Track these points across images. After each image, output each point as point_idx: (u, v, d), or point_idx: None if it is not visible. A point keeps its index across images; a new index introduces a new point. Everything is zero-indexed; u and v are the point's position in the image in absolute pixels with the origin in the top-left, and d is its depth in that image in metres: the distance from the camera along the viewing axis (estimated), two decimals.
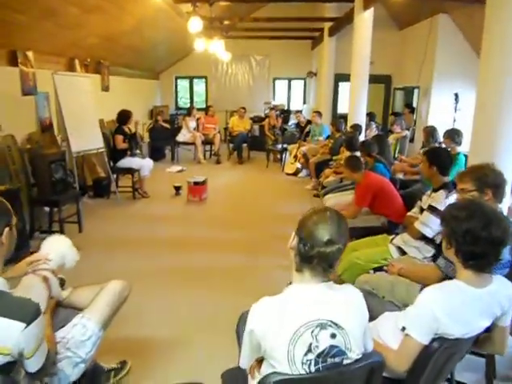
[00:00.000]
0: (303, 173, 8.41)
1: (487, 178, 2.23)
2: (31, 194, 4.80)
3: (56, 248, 2.13)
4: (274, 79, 13.48)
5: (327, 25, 10.34)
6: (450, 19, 8.39)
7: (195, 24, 5.81)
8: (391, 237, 3.36)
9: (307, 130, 8.72)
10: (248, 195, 7.03)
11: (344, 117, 7.97)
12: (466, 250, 1.65)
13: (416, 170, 5.55)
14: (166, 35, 9.55)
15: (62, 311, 2.14)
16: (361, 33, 7.16)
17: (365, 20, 7.11)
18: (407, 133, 6.96)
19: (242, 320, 2.09)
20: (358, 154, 5.27)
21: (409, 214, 3.43)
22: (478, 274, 1.67)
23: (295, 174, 8.44)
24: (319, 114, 8.56)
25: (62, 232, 4.72)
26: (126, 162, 6.38)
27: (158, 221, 5.58)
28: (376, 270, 3.17)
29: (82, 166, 6.43)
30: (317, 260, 1.45)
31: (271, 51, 12.97)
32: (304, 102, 13.77)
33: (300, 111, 9.32)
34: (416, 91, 9.80)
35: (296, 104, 13.76)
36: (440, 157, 2.95)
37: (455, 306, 1.62)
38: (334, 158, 6.84)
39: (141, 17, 7.43)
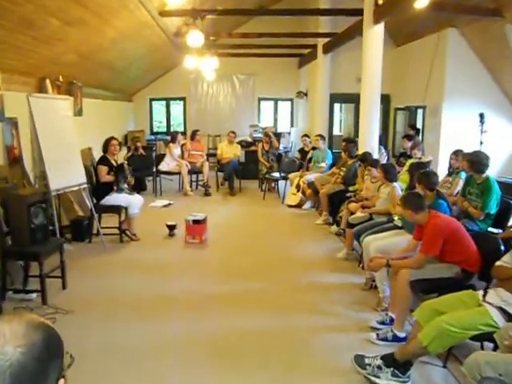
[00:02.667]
0: (307, 204, 8.02)
1: None
2: (3, 244, 4.11)
3: None
4: (260, 100, 13.24)
5: (321, 41, 10.13)
6: (460, 34, 8.27)
7: (196, 38, 5.34)
8: (479, 292, 2.90)
9: (310, 155, 8.31)
10: (253, 234, 6.56)
11: (352, 141, 7.65)
12: None
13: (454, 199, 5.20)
14: (145, 51, 9.11)
15: None
16: (371, 49, 6.89)
17: (375, 35, 6.86)
18: (431, 158, 6.64)
19: None
20: (396, 184, 4.91)
21: (498, 263, 2.98)
22: None
23: (298, 205, 8.02)
24: (322, 137, 8.22)
25: (43, 291, 4.05)
26: (112, 198, 5.80)
27: (156, 270, 4.99)
28: (474, 339, 2.68)
29: (57, 205, 5.77)
30: None
31: (255, 70, 12.75)
32: (291, 125, 13.53)
33: (306, 135, 8.94)
34: (420, 111, 9.64)
35: (283, 127, 13.50)
36: None
37: None
38: (351, 188, 6.48)
39: (122, 30, 6.94)
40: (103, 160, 5.84)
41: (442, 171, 7.42)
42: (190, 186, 9.27)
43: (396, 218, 4.57)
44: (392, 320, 3.54)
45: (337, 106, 12.00)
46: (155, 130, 13.33)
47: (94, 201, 5.83)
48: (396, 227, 4.44)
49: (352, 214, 5.42)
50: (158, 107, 13.46)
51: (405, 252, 3.62)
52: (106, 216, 6.27)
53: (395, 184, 4.99)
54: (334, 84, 10.62)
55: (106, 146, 5.91)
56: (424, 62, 9.09)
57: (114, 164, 5.94)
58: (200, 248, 5.81)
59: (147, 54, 9.46)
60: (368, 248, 4.16)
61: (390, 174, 4.98)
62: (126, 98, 12.08)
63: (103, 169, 5.75)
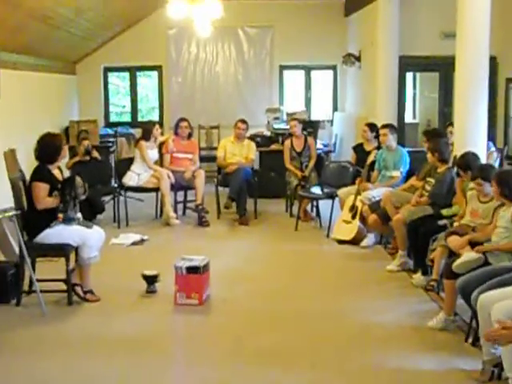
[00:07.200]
0: (370, 239, 8.00)
1: None
2: None
3: None
4: (282, 68, 13.38)
5: None
6: None
7: None
8: None
9: (372, 158, 8.30)
10: (282, 289, 6.53)
11: (444, 134, 7.64)
12: None
13: None
14: None
15: None
16: None
17: None
18: None
19: None
20: None
21: None
22: None
23: (355, 241, 8.02)
24: (393, 129, 8.21)
25: None
26: (55, 233, 5.79)
27: (128, 354, 4.92)
28: None
29: None
30: None
31: (275, 20, 12.94)
32: (335, 109, 13.64)
33: (372, 125, 8.90)
34: None
35: (320, 111, 13.63)
36: None
37: None
38: (445, 212, 6.47)
39: None
40: (42, 173, 5.82)
41: None
42: (175, 211, 9.27)
43: None
44: None
45: (409, 76, 12.05)
46: (113, 119, 13.44)
47: (26, 237, 5.81)
48: None
49: (452, 254, 5.36)
50: (118, 82, 13.51)
51: None
52: (43, 262, 6.25)
53: None
54: (404, 42, 10.66)
55: (47, 150, 5.91)
56: None
57: (59, 177, 5.94)
58: (199, 313, 5.79)
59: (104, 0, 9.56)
60: (488, 312, 4.08)
61: (510, 189, 4.92)
62: (67, 67, 12.18)
63: (42, 188, 5.72)
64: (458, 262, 5.10)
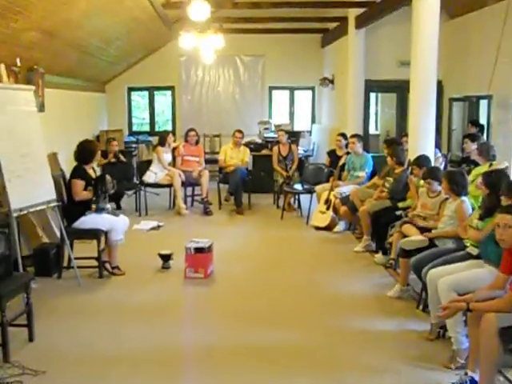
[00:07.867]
0: (341, 226, 8.00)
1: None
2: None
3: None
4: (271, 89, 13.39)
5: (353, 12, 10.20)
6: None
7: (200, 9, 5.33)
8: None
9: (343, 161, 8.32)
10: (270, 265, 6.56)
11: (400, 142, 7.67)
12: None
13: None
14: (126, 29, 9.20)
15: None
16: (423, 21, 6.97)
17: (429, 3, 6.92)
18: (506, 164, 6.60)
19: None
20: (465, 199, 4.88)
21: None
22: None
23: (329, 227, 8.02)
24: (360, 138, 8.25)
25: (4, 344, 4.00)
26: (89, 220, 5.83)
27: (149, 316, 4.98)
28: None
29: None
30: None
31: (265, 50, 12.92)
32: (313, 121, 13.63)
33: (343, 135, 8.92)
34: (484, 102, 9.64)
35: (301, 123, 13.61)
36: None
37: None
38: (401, 204, 6.49)
39: (97, 1, 7.08)
40: (79, 172, 5.87)
41: None
42: (185, 203, 9.26)
43: (469, 244, 4.54)
44: (473, 382, 3.49)
45: (372, 96, 12.03)
46: (135, 129, 13.43)
47: (65, 223, 5.83)
48: (470, 256, 4.41)
49: (406, 238, 5.40)
50: (139, 99, 13.51)
51: (490, 290, 3.57)
52: (78, 244, 6.26)
53: (464, 198, 4.99)
54: (369, 68, 10.67)
55: (84, 153, 5.96)
56: (489, 38, 9.08)
57: (93, 175, 5.97)
58: (205, 285, 5.80)
59: (128, 32, 9.55)
60: (435, 284, 4.11)
61: (457, 185, 4.96)
62: (98, 87, 12.17)
63: (79, 184, 5.77)
64: (405, 239, 5.26)
